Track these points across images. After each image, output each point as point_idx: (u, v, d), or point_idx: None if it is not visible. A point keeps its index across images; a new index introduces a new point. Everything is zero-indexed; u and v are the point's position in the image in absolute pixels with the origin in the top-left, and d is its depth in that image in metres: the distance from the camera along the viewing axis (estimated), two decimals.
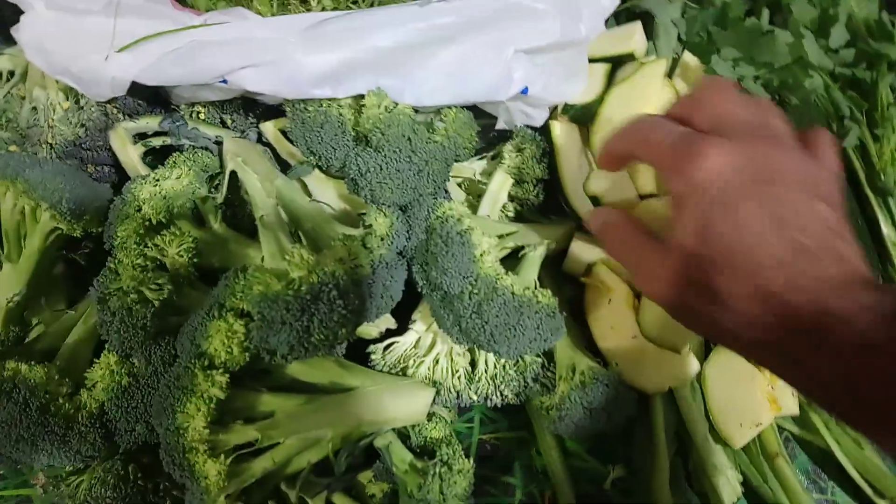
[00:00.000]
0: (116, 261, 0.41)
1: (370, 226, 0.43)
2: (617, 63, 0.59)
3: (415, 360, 0.47)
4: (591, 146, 0.54)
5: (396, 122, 0.44)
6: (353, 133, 0.46)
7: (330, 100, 0.46)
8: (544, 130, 0.54)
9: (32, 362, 0.42)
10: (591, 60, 0.57)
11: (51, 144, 0.53)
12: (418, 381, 0.45)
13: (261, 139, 0.53)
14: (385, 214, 0.44)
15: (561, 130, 0.53)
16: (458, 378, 0.47)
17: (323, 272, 0.37)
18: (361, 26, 0.43)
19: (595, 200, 0.51)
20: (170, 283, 0.40)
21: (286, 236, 0.43)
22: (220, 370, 0.37)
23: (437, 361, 0.47)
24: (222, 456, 0.36)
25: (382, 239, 0.42)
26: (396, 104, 0.45)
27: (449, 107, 0.47)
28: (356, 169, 0.46)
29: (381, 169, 0.44)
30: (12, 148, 0.50)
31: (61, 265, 0.53)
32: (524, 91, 0.48)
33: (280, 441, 0.38)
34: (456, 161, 0.47)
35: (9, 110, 0.54)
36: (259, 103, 0.55)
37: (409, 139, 0.44)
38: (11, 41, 0.57)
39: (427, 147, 0.44)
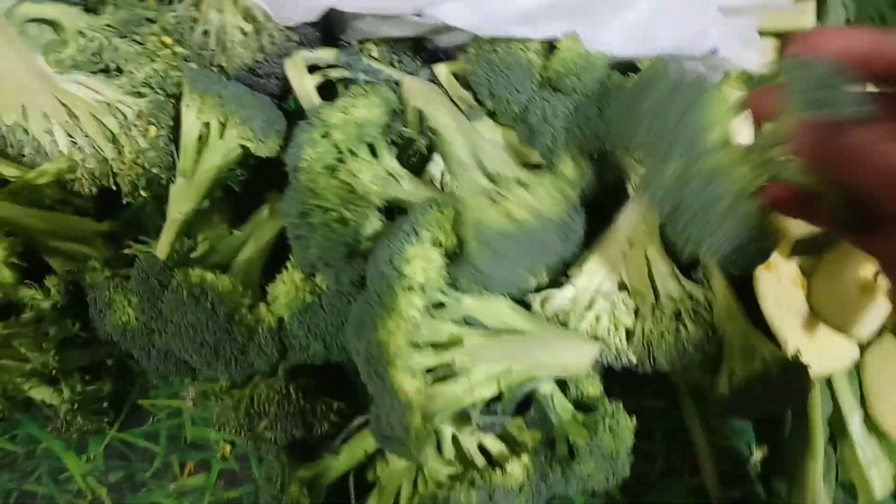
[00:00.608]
0: (308, 181, 0.41)
1: (558, 170, 0.43)
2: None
3: (575, 315, 0.47)
4: None
5: (592, 66, 0.43)
6: (538, 78, 0.46)
7: (519, 42, 0.46)
8: None
9: (218, 271, 0.43)
10: (761, 34, 0.55)
11: (223, 67, 0.53)
12: (584, 334, 0.45)
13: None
14: (576, 160, 0.43)
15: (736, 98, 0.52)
16: (619, 338, 0.47)
17: (538, 211, 0.37)
18: None
19: None
20: (367, 207, 0.40)
21: (479, 174, 0.42)
22: (418, 293, 0.37)
23: (599, 319, 0.47)
24: (419, 375, 0.36)
25: (572, 185, 0.42)
26: (589, 51, 0.44)
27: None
28: (540, 114, 0.45)
29: (570, 115, 0.44)
30: (191, 65, 0.50)
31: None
32: (714, 50, 0.47)
33: (469, 369, 0.38)
34: None
35: (178, 30, 0.54)
36: (426, 46, 0.55)
37: (603, 85, 0.43)
38: None
39: None
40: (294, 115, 0.57)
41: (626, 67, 0.47)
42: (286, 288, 0.42)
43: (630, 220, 0.48)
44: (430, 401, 0.37)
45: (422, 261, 0.38)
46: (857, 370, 0.50)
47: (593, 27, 0.44)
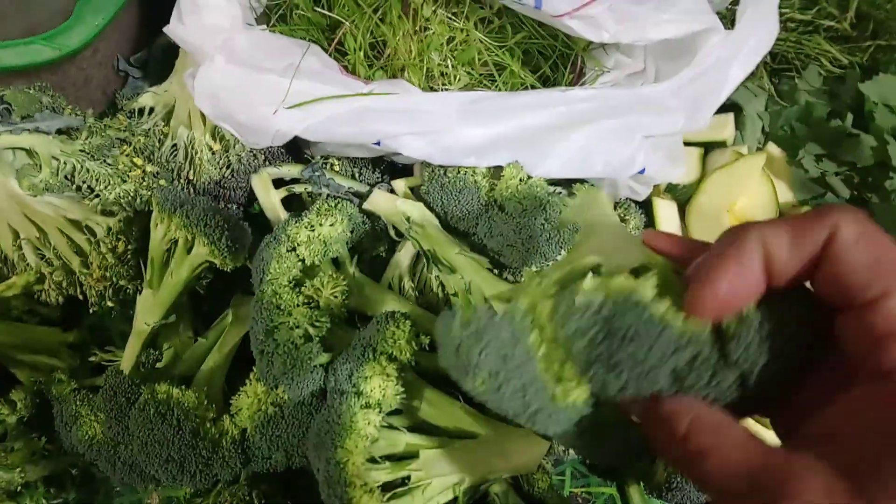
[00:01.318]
0: (275, 296, 0.44)
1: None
2: (707, 148, 0.64)
3: None
4: (687, 224, 0.59)
5: (534, 193, 0.48)
6: (485, 199, 0.50)
7: (467, 168, 0.50)
8: (642, 205, 0.59)
9: (183, 387, 0.45)
10: (686, 144, 0.62)
11: (190, 180, 0.56)
12: (532, 432, 0.48)
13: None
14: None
15: (663, 208, 0.58)
16: None
17: None
18: (514, 106, 0.47)
19: None
20: (329, 322, 0.43)
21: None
22: (375, 410, 0.40)
23: None
24: (377, 492, 0.38)
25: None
26: (530, 176, 0.49)
27: (578, 181, 0.51)
28: (487, 231, 0.49)
29: (514, 234, 0.48)
30: (161, 182, 0.53)
31: None
32: (642, 171, 0.52)
33: (426, 482, 0.41)
34: None
35: (148, 145, 0.58)
36: (384, 161, 0.59)
37: (544, 208, 0.48)
38: (155, 81, 0.62)
39: (560, 217, 0.48)
40: (257, 217, 0.61)
41: (566, 182, 0.53)
42: (249, 400, 0.44)
43: None
44: None
45: (379, 378, 0.41)
46: None
47: (535, 156, 0.49)
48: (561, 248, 0.49)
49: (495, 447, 0.45)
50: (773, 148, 0.65)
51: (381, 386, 0.41)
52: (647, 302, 0.23)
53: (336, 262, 0.51)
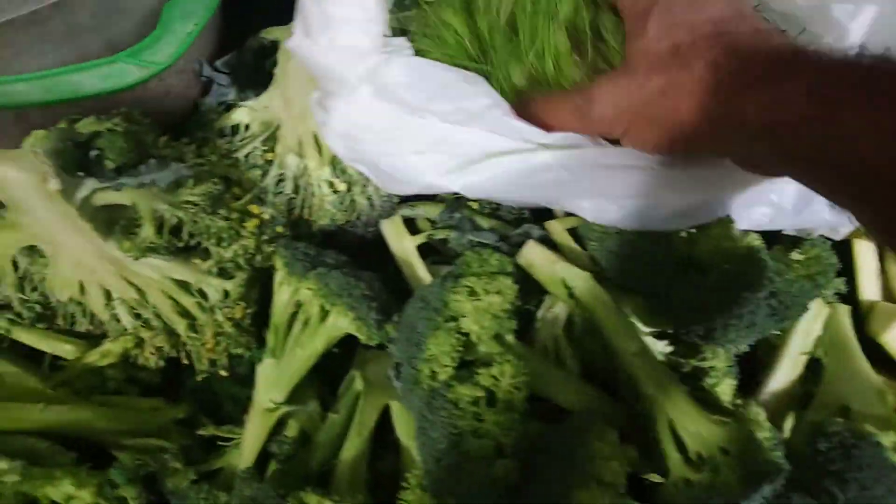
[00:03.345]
0: (438, 381, 0.36)
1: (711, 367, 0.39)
2: None
3: None
4: (888, 270, 0.50)
5: (752, 254, 0.39)
6: (679, 257, 0.41)
7: None
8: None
9: (336, 498, 0.37)
10: None
11: (303, 219, 0.47)
12: None
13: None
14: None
15: (864, 251, 0.49)
16: None
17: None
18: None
19: None
20: (519, 428, 0.36)
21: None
22: None
23: None
24: None
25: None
26: (743, 234, 0.40)
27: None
28: (684, 298, 0.40)
29: (731, 307, 0.39)
30: (279, 229, 0.45)
31: None
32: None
33: None
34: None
35: (252, 177, 0.48)
36: None
37: (761, 273, 0.39)
38: (242, 88, 0.52)
39: (787, 287, 0.39)
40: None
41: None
42: None
43: None
44: None
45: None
46: None
47: (741, 206, 0.40)
48: (778, 323, 0.40)
49: None
50: None
51: None
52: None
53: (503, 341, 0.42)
